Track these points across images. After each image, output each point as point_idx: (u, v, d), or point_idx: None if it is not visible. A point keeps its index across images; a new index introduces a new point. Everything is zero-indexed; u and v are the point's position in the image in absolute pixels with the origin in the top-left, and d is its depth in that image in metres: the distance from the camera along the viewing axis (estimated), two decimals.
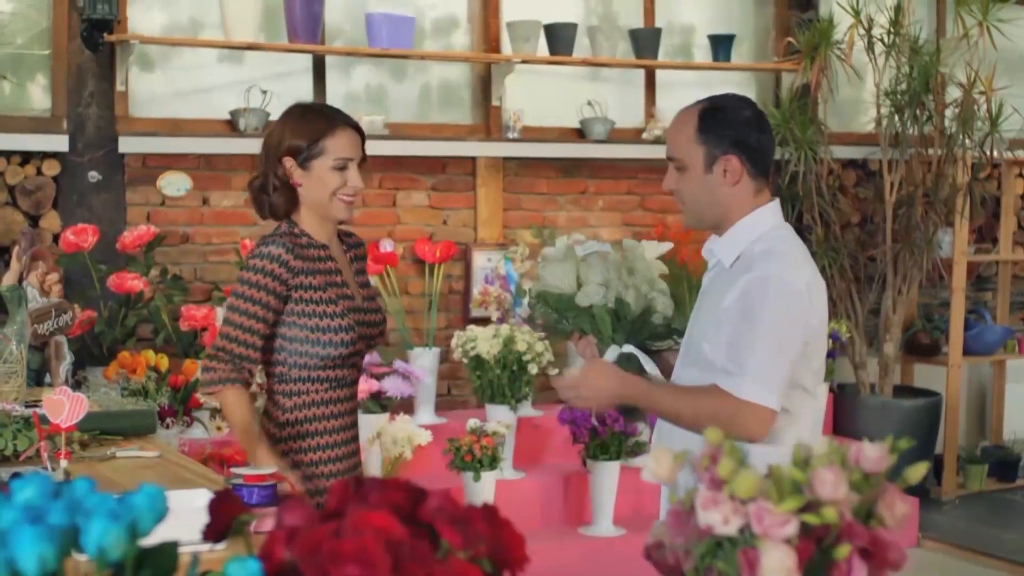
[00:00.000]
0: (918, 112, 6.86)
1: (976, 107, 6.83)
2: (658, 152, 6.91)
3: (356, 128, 3.26)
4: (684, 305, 6.67)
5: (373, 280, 6.02)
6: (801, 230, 7.11)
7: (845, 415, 6.78)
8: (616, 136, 6.89)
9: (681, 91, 7.26)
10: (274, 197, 3.22)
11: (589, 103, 6.86)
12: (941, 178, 6.88)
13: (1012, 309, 7.83)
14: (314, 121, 3.22)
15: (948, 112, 6.86)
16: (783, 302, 2.77)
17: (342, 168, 3.19)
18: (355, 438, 3.37)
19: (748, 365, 2.73)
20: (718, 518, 1.34)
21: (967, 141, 6.83)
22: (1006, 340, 7.32)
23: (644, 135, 7.02)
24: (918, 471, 1.49)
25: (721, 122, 2.89)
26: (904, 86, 6.90)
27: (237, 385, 3.16)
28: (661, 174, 7.23)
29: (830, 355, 6.49)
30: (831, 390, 6.74)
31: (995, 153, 6.89)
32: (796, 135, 6.86)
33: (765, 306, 2.76)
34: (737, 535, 1.35)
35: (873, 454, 1.42)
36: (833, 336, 6.47)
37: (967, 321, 7.20)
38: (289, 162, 3.19)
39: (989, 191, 7.59)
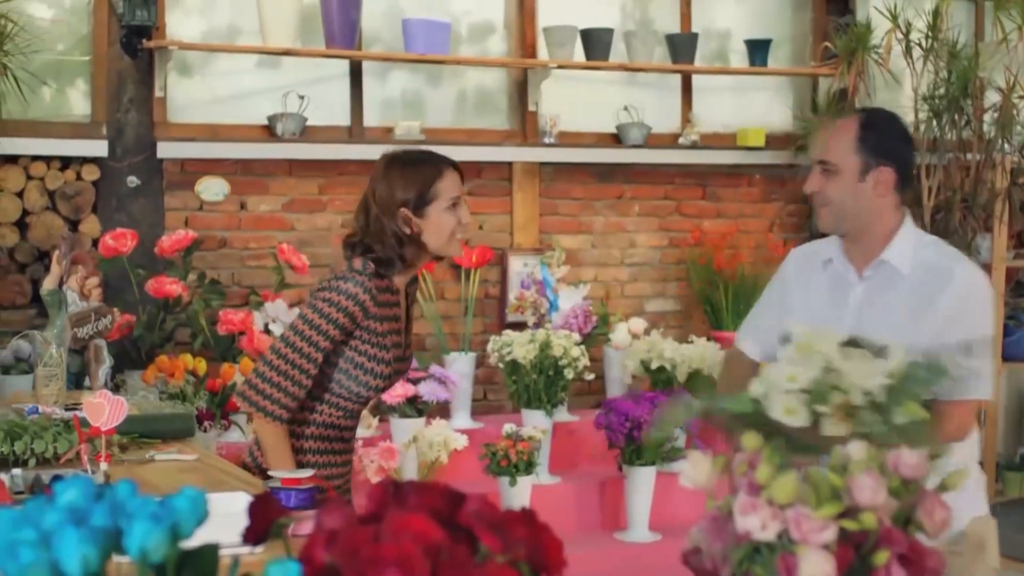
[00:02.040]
0: (956, 117, 6.82)
1: (1015, 112, 6.78)
2: (695, 157, 6.95)
3: (456, 167, 3.29)
4: (721, 311, 6.68)
5: None
6: None
7: None
8: (653, 141, 6.88)
9: (718, 96, 7.26)
10: (407, 252, 3.22)
11: (625, 108, 6.85)
12: (980, 183, 6.84)
13: None
14: (422, 168, 3.24)
15: (987, 117, 6.82)
16: (991, 304, 3.04)
17: (455, 206, 3.23)
18: (348, 463, 3.39)
19: (982, 364, 2.92)
20: (756, 523, 1.34)
21: (1006, 146, 6.78)
22: None
23: (680, 140, 7.00)
24: (958, 477, 1.48)
25: (881, 134, 3.02)
26: (942, 91, 6.86)
27: (278, 423, 3.16)
28: (698, 179, 7.23)
29: None
30: None
31: None
32: None
33: (986, 310, 3.00)
34: (775, 540, 1.35)
35: (911, 460, 1.42)
36: None
37: (1006, 327, 7.14)
38: (405, 213, 3.18)
39: None
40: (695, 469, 1.42)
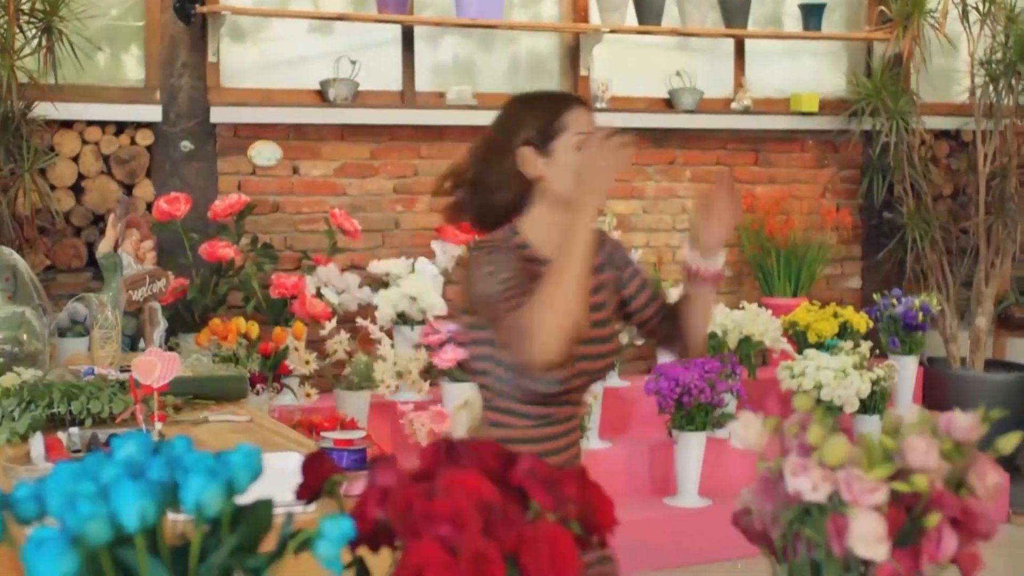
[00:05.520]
0: (1013, 82, 6.75)
1: None
2: (747, 123, 6.91)
3: (587, 106, 2.77)
4: (773, 278, 6.65)
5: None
6: (892, 202, 7.03)
7: (935, 389, 6.70)
8: (705, 106, 6.85)
9: (771, 61, 7.21)
10: (498, 197, 2.69)
11: (678, 73, 6.82)
12: None
13: None
14: (547, 100, 2.77)
15: None
16: None
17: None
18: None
19: None
20: (807, 485, 1.34)
21: None
22: None
23: (733, 105, 6.97)
24: (1010, 441, 1.47)
25: None
26: (999, 55, 6.79)
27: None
28: (751, 144, 7.19)
29: (920, 328, 6.42)
30: (921, 363, 6.66)
31: None
32: (888, 105, 6.79)
33: None
34: (826, 502, 1.35)
35: (964, 423, 1.41)
36: (924, 309, 6.39)
37: None
38: (526, 151, 2.65)
39: None
40: (746, 430, 1.41)
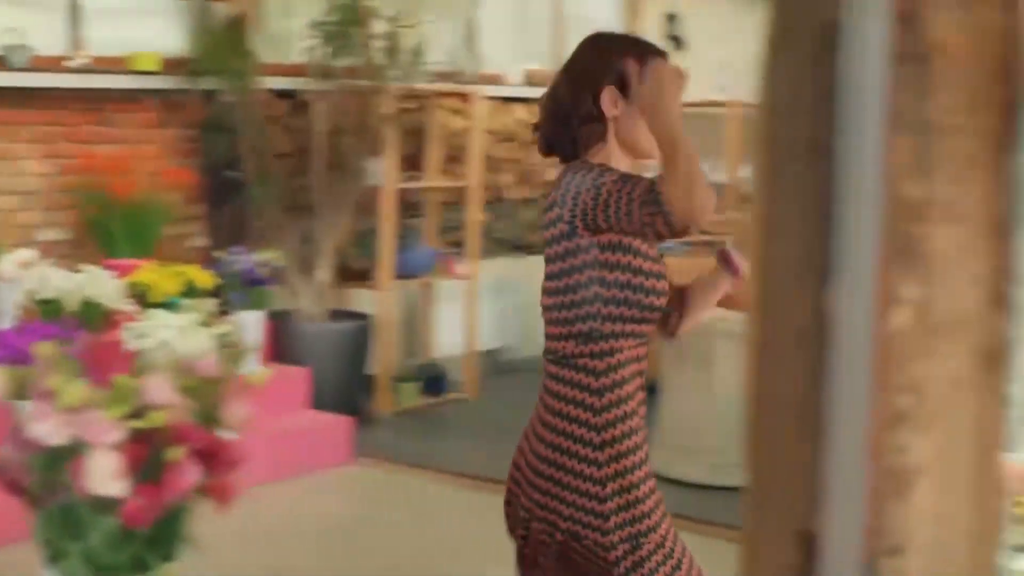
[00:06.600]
0: (346, 44, 7.04)
1: (402, 40, 7.09)
2: (85, 82, 6.75)
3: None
4: (114, 237, 6.57)
5: None
6: (234, 160, 7.14)
7: (283, 341, 6.90)
8: (39, 64, 6.63)
9: (110, 19, 7.10)
10: (580, 131, 2.76)
11: (9, 29, 6.55)
12: (369, 109, 7.11)
13: (439, 234, 8.21)
14: (640, 46, 2.80)
15: (377, 45, 7.09)
16: None
17: None
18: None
19: None
20: (47, 430, 1.35)
21: (393, 74, 7.08)
22: (433, 263, 7.69)
23: (70, 63, 6.79)
24: (260, 375, 1.57)
25: None
26: (334, 18, 7.06)
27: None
28: (88, 104, 7.04)
29: (263, 282, 6.58)
30: (268, 317, 6.84)
31: (419, 85, 7.20)
32: (227, 66, 6.88)
33: None
34: (70, 445, 1.37)
35: (209, 362, 1.48)
36: (266, 264, 6.56)
37: (398, 246, 7.49)
38: (611, 93, 2.74)
39: (415, 122, 7.91)
40: None
